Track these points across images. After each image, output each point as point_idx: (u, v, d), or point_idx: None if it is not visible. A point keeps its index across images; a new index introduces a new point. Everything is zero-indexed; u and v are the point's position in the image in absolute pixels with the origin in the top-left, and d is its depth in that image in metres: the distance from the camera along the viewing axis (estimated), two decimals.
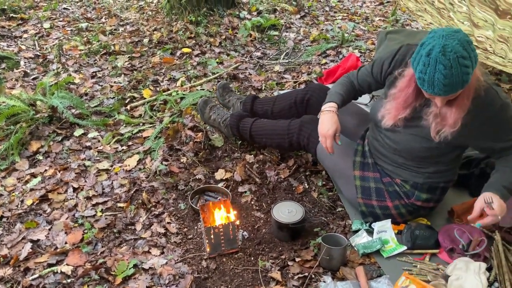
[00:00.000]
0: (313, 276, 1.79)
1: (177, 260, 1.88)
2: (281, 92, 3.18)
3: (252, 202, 2.21)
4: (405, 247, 1.88)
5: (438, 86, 1.48)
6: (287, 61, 3.74)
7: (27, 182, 2.33)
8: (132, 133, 2.70)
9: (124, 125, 2.80)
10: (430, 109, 1.70)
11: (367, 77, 2.00)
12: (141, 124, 2.81)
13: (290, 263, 1.86)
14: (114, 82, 3.28)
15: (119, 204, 2.18)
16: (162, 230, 2.03)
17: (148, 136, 2.65)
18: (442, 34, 1.46)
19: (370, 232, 1.97)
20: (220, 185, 2.29)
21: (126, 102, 3.04)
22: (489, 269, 1.74)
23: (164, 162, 2.41)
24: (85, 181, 2.33)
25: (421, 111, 1.74)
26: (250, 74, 3.48)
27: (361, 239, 1.94)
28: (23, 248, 1.93)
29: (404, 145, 1.82)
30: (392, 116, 1.78)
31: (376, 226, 1.96)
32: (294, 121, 2.23)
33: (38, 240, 1.98)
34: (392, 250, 1.88)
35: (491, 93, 1.63)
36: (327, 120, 1.89)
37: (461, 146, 1.80)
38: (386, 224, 1.95)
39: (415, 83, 1.65)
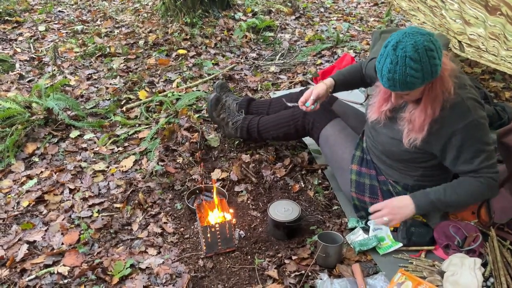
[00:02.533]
0: (309, 273, 1.80)
1: (174, 259, 1.88)
2: (277, 92, 3.19)
3: (249, 202, 2.22)
4: (400, 244, 1.89)
5: (384, 78, 1.54)
6: (282, 61, 3.76)
7: (23, 184, 2.32)
8: (128, 134, 2.71)
9: (120, 127, 2.80)
10: (404, 114, 1.73)
11: (372, 70, 2.02)
12: (137, 125, 2.81)
13: (286, 261, 1.86)
14: (110, 84, 3.29)
15: (115, 205, 2.18)
16: (159, 230, 2.03)
17: (144, 137, 2.65)
18: (406, 31, 1.50)
19: (366, 230, 1.98)
20: (216, 185, 2.30)
21: (122, 103, 3.04)
22: (484, 264, 1.75)
23: (160, 163, 2.42)
24: (81, 182, 2.33)
25: (398, 113, 1.77)
26: (246, 75, 3.49)
27: (357, 237, 1.95)
28: (19, 249, 1.92)
29: (385, 147, 1.86)
30: (376, 108, 1.82)
31: (372, 223, 1.97)
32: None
33: (35, 241, 1.98)
34: (388, 247, 1.89)
35: (462, 107, 1.61)
36: (316, 87, 2.05)
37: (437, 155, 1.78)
38: None
39: None
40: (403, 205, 1.75)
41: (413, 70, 1.47)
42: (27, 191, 2.26)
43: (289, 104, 2.17)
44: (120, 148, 2.61)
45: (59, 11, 4.88)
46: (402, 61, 1.46)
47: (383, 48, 1.53)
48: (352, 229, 2.01)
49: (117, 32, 4.24)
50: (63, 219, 2.10)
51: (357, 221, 2.03)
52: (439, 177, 1.86)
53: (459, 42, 2.48)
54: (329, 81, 2.08)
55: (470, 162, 1.66)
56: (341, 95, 2.54)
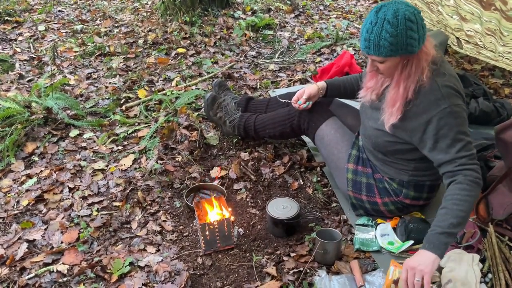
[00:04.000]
0: (308, 270, 1.80)
1: (173, 257, 1.89)
2: (276, 90, 3.19)
3: (248, 199, 2.22)
4: (412, 242, 1.87)
5: (362, 39, 1.57)
6: (281, 60, 3.76)
7: (22, 183, 2.33)
8: (127, 133, 2.71)
9: (120, 125, 2.81)
10: (386, 98, 1.74)
11: None
12: (136, 124, 2.82)
13: (285, 258, 1.87)
14: (109, 83, 3.29)
15: (114, 203, 2.19)
16: (158, 228, 2.04)
17: (143, 136, 2.65)
18: (395, 0, 1.54)
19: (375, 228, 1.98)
20: (215, 183, 2.30)
21: (121, 102, 3.05)
22: (482, 260, 1.75)
23: (159, 161, 2.42)
24: (81, 181, 2.34)
25: (382, 101, 1.78)
26: (245, 73, 3.49)
27: (366, 235, 1.94)
28: (19, 248, 1.93)
29: (372, 140, 1.87)
30: (364, 85, 1.86)
31: (379, 229, 1.96)
32: None
33: (34, 240, 1.99)
34: (401, 246, 1.87)
35: (437, 94, 1.61)
36: (308, 87, 2.15)
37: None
38: (387, 227, 1.96)
39: None
40: (419, 256, 1.53)
41: (387, 34, 1.50)
42: (27, 190, 2.27)
43: (282, 100, 2.27)
44: (120, 147, 2.61)
45: (59, 10, 4.89)
46: (381, 22, 1.50)
47: (369, 14, 1.58)
48: (360, 225, 2.00)
49: (117, 32, 4.25)
50: (62, 218, 2.10)
51: (368, 219, 2.02)
52: (433, 170, 1.83)
53: (457, 38, 2.47)
54: (321, 83, 2.16)
55: (446, 151, 1.62)
56: None
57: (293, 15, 4.77)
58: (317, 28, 4.44)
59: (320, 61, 3.71)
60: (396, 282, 1.63)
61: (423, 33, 1.55)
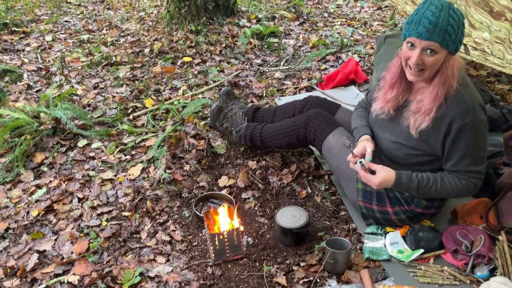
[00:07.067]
0: (318, 280, 1.80)
1: (183, 267, 1.89)
2: (282, 98, 3.20)
3: (256, 208, 2.22)
4: (422, 250, 1.86)
5: (423, 23, 1.50)
6: (287, 67, 3.77)
7: (32, 193, 2.35)
8: (135, 143, 2.73)
9: (127, 135, 2.82)
10: (410, 107, 1.74)
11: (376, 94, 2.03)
12: (144, 133, 2.83)
13: (295, 267, 1.86)
14: (116, 93, 3.31)
15: (123, 213, 2.20)
16: (167, 238, 2.04)
17: (151, 145, 2.67)
18: None
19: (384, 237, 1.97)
20: (223, 192, 2.31)
21: (129, 112, 3.06)
22: (493, 269, 1.74)
23: (167, 170, 2.43)
24: (90, 191, 2.35)
25: (402, 112, 1.78)
26: (251, 81, 3.50)
27: (375, 244, 1.93)
28: (29, 259, 1.94)
29: (390, 153, 1.86)
30: (381, 96, 1.84)
31: (388, 237, 1.95)
32: (300, 116, 2.27)
33: (45, 250, 2.00)
34: (411, 255, 1.86)
35: (462, 107, 1.62)
36: (368, 145, 1.87)
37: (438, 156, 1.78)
38: (396, 235, 1.95)
39: (401, 62, 1.70)
40: (387, 177, 1.76)
41: (454, 21, 1.48)
42: (37, 201, 2.28)
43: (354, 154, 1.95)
44: (128, 157, 2.63)
45: (66, 21, 4.93)
46: (447, 8, 1.48)
47: (421, 4, 1.53)
48: (369, 233, 1.99)
49: (123, 41, 4.28)
50: (72, 228, 2.11)
51: (377, 227, 2.02)
52: None
53: (465, 45, 2.47)
54: (365, 137, 1.93)
55: (456, 162, 1.69)
56: (338, 96, 2.53)
57: (297, 22, 4.80)
58: (321, 35, 4.45)
59: (326, 68, 3.72)
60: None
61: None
